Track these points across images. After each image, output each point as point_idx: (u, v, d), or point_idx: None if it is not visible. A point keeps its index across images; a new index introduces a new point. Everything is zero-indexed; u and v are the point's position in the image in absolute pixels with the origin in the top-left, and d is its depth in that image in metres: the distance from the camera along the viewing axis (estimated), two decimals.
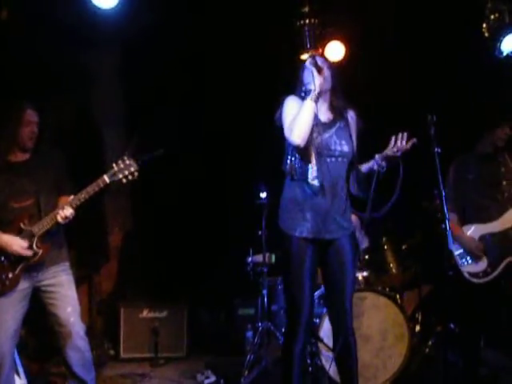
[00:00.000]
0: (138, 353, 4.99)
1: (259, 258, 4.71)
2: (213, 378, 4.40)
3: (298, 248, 3.09)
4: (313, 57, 3.11)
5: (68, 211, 3.34)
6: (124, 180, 3.39)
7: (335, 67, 3.28)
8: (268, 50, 4.94)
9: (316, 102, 3.04)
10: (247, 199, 4.58)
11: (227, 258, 5.29)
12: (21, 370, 3.93)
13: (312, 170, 3.07)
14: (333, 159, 3.11)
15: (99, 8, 4.31)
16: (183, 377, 4.59)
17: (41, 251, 3.39)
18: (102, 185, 3.36)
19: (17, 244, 3.34)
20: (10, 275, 3.36)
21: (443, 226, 3.16)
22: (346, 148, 3.15)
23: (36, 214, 3.43)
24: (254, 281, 4.80)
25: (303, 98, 3.08)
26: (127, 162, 3.38)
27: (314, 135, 3.06)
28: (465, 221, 3.98)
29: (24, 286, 3.40)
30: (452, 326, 4.70)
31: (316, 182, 3.06)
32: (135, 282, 5.38)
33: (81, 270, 3.65)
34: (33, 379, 4.12)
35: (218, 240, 5.41)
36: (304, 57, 4.84)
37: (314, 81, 3.04)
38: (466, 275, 3.89)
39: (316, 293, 4.17)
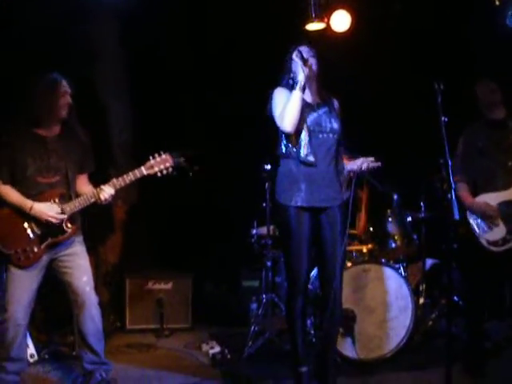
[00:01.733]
0: (144, 324, 5.02)
1: (263, 230, 4.71)
2: (218, 348, 4.43)
3: (296, 216, 3.35)
4: (297, 49, 3.29)
5: (109, 191, 3.42)
6: (159, 174, 3.49)
7: (319, 54, 3.44)
8: (272, 21, 4.86)
9: (303, 91, 3.27)
10: (251, 171, 4.56)
11: (232, 229, 5.30)
12: (29, 340, 4.02)
13: (305, 147, 3.30)
14: (324, 135, 3.38)
15: None
16: (188, 347, 4.63)
17: (70, 230, 3.45)
18: (138, 176, 3.47)
19: (53, 211, 3.37)
20: (36, 249, 3.41)
21: (449, 195, 3.14)
22: (335, 125, 3.41)
23: (66, 192, 3.47)
24: (258, 253, 4.81)
25: (291, 87, 3.31)
26: (163, 156, 3.48)
27: (305, 115, 3.32)
28: (476, 191, 3.94)
29: (43, 258, 3.45)
30: (456, 298, 4.72)
31: (310, 158, 3.30)
32: (140, 253, 5.40)
33: (86, 242, 3.67)
34: (41, 349, 4.21)
35: (223, 212, 5.41)
36: (310, 27, 4.80)
37: (300, 72, 3.27)
38: (485, 243, 3.85)
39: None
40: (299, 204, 3.34)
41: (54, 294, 4.09)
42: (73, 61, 4.62)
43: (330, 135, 3.39)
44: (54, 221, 3.37)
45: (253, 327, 4.45)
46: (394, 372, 4.04)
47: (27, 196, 3.39)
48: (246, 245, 4.88)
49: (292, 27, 4.62)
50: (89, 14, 4.72)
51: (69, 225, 3.43)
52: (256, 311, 4.68)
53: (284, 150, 3.42)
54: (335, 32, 4.89)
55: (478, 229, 3.89)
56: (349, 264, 4.21)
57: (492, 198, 3.87)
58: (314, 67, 3.37)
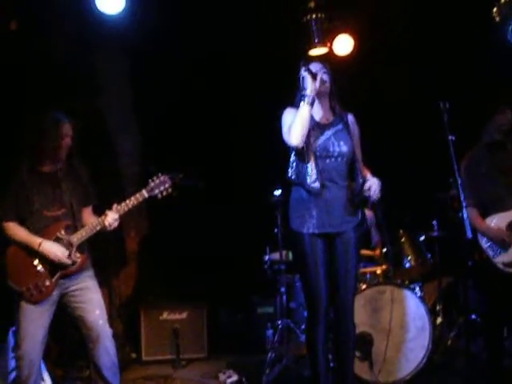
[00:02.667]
0: (160, 355, 5.00)
1: (276, 255, 4.71)
2: (235, 377, 4.40)
3: (310, 244, 3.31)
4: (305, 64, 3.30)
5: (113, 217, 3.44)
6: (159, 196, 3.52)
7: (332, 71, 3.42)
8: (277, 48, 4.91)
9: (311, 105, 3.25)
10: (262, 198, 4.58)
11: (244, 257, 5.29)
12: (46, 375, 3.99)
13: (311, 173, 3.27)
14: (332, 159, 3.32)
15: (105, 14, 4.35)
16: (205, 377, 4.60)
17: (79, 260, 3.45)
18: (140, 199, 3.50)
19: (59, 251, 3.40)
20: (47, 283, 3.41)
21: (460, 214, 3.13)
22: (344, 148, 3.34)
23: (71, 224, 3.50)
24: (271, 279, 4.80)
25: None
26: (161, 178, 3.52)
27: (312, 139, 3.28)
28: (485, 213, 3.92)
29: (54, 293, 3.45)
30: (474, 316, 4.66)
31: (316, 185, 3.27)
32: (154, 284, 5.39)
33: (99, 275, 3.68)
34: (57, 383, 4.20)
35: (235, 239, 5.41)
36: (313, 52, 4.85)
37: (309, 86, 3.25)
38: (500, 266, 3.81)
39: None
40: (311, 231, 3.30)
41: (69, 328, 4.09)
42: (81, 94, 4.69)
43: (339, 159, 3.33)
44: (61, 261, 3.39)
45: (269, 354, 4.41)
46: None
47: (34, 230, 3.43)
48: (259, 271, 4.87)
49: (296, 53, 4.66)
50: (97, 48, 4.81)
51: (77, 255, 3.44)
52: (272, 338, 4.64)
53: (294, 176, 3.39)
54: (338, 56, 4.94)
55: (492, 251, 3.86)
56: (363, 286, 4.19)
57: (503, 218, 3.84)
58: (326, 83, 3.33)
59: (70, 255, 3.41)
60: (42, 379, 3.80)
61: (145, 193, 3.49)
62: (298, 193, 3.38)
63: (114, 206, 3.47)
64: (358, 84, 3.39)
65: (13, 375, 3.93)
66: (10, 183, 3.50)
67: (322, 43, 4.77)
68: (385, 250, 4.58)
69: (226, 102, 5.29)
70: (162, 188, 3.50)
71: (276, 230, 4.57)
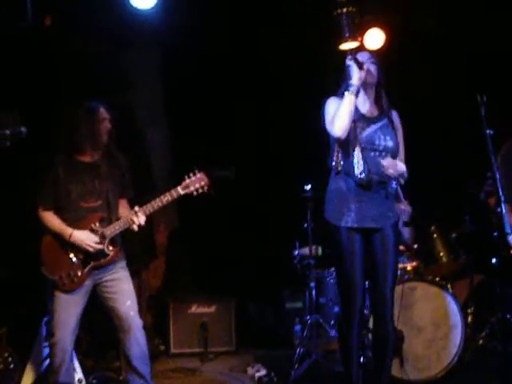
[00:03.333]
0: (188, 348, 5.04)
1: (306, 250, 4.69)
2: (263, 371, 4.39)
3: (347, 238, 3.22)
4: (351, 52, 3.23)
5: (142, 219, 3.45)
6: (195, 193, 3.48)
7: (381, 61, 3.34)
8: (308, 42, 4.90)
9: (356, 95, 3.16)
10: (293, 192, 4.57)
11: (274, 251, 5.28)
12: (77, 365, 4.04)
13: (358, 165, 3.17)
14: (377, 153, 3.23)
15: (138, 9, 4.38)
16: (234, 370, 4.61)
17: (112, 253, 3.48)
18: (175, 196, 3.47)
19: (91, 240, 3.43)
20: (79, 273, 3.45)
21: (499, 209, 3.07)
22: (390, 143, 3.26)
23: (106, 216, 3.52)
24: (301, 274, 4.78)
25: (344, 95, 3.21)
26: (198, 175, 3.48)
27: (358, 130, 3.19)
28: None
29: (87, 283, 3.50)
30: (508, 316, 4.58)
31: (363, 176, 3.17)
32: (183, 278, 5.43)
33: (129, 267, 3.72)
34: (88, 374, 4.23)
35: (265, 233, 5.41)
36: (343, 47, 4.80)
37: (355, 75, 3.16)
38: None
39: None
40: (349, 225, 3.21)
41: (100, 319, 4.13)
42: (112, 88, 4.74)
43: (383, 153, 3.23)
44: (91, 250, 3.42)
45: (298, 349, 4.40)
46: None
47: (70, 220, 3.46)
48: (289, 266, 4.86)
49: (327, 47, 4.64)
50: (128, 42, 4.85)
51: (110, 248, 3.47)
52: (301, 333, 4.64)
53: (335, 163, 3.27)
54: (369, 50, 4.88)
55: None
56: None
57: None
58: (373, 73, 3.24)
59: (102, 247, 3.44)
60: (74, 369, 3.86)
61: (180, 190, 3.46)
62: (336, 184, 3.27)
63: (145, 206, 3.44)
64: (390, 78, 3.34)
65: (46, 363, 4.00)
66: (48, 173, 3.53)
67: (353, 37, 4.68)
68: (416, 246, 4.52)
69: (256, 95, 5.28)
70: (197, 185, 3.46)
71: (306, 225, 4.55)
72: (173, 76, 5.21)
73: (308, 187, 4.49)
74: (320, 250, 4.77)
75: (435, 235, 4.56)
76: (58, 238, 3.47)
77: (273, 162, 5.36)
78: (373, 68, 3.24)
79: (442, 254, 4.55)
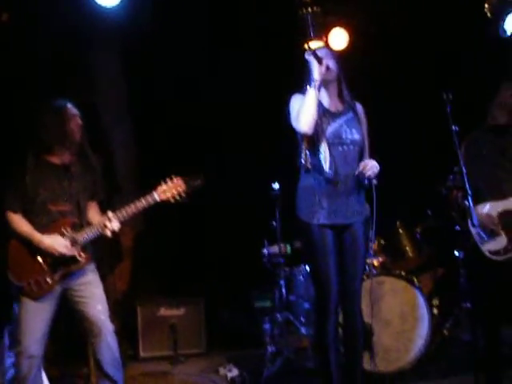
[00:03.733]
0: (157, 351, 4.98)
1: (275, 248, 4.72)
2: (236, 372, 4.38)
3: (320, 235, 3.22)
4: (310, 48, 3.22)
5: (116, 225, 3.35)
6: (172, 200, 3.40)
7: (340, 57, 3.36)
8: (273, 41, 4.93)
9: (318, 90, 3.17)
10: (261, 191, 4.58)
11: (241, 250, 5.28)
12: (43, 373, 3.93)
13: (326, 161, 3.18)
14: (345, 147, 3.24)
15: (102, 7, 4.31)
16: (205, 372, 4.59)
17: (83, 260, 3.39)
18: (151, 201, 3.37)
19: (61, 245, 3.32)
20: (49, 280, 3.35)
21: (466, 202, 3.17)
22: (356, 136, 3.28)
23: (78, 221, 3.42)
24: (270, 272, 4.80)
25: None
26: (175, 180, 3.40)
27: (324, 126, 3.20)
28: (478, 199, 3.95)
29: (56, 288, 3.40)
30: (469, 305, 4.73)
31: (332, 172, 3.17)
32: (150, 280, 5.36)
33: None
34: (55, 382, 4.14)
35: (232, 233, 5.40)
36: (308, 46, 4.87)
37: (315, 70, 3.17)
38: (487, 253, 3.85)
39: None
40: (321, 221, 3.21)
41: (65, 325, 4.04)
42: (74, 87, 4.64)
43: (351, 147, 3.24)
44: (60, 255, 3.32)
45: (269, 348, 4.42)
46: (414, 383, 4.03)
47: (40, 224, 3.35)
48: (256, 265, 4.87)
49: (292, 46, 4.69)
50: (91, 41, 4.77)
51: (82, 254, 3.38)
52: (271, 331, 4.65)
53: (304, 163, 3.27)
54: (333, 50, 4.96)
55: (480, 238, 3.89)
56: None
57: (496, 206, 3.85)
58: (332, 68, 3.26)
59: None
60: (41, 378, 3.74)
61: (155, 195, 3.37)
62: (307, 182, 3.28)
63: (117, 211, 3.35)
64: (355, 78, 3.40)
65: (10, 373, 3.88)
66: (16, 174, 3.40)
67: (318, 37, 4.77)
68: (382, 241, 4.62)
69: (221, 94, 5.27)
70: (174, 191, 3.38)
71: (274, 223, 4.58)
72: (137, 75, 5.14)
73: (276, 185, 4.51)
74: (289, 248, 4.79)
75: (400, 230, 4.67)
76: (27, 242, 3.35)
77: (240, 160, 5.36)
78: (331, 63, 3.25)
79: (407, 248, 4.66)
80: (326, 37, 4.91)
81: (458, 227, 4.11)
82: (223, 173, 5.27)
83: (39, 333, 3.36)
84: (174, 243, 5.41)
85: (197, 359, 4.93)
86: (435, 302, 4.75)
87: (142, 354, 4.96)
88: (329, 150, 3.18)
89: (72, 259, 3.36)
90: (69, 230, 3.36)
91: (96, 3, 4.26)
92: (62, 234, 3.35)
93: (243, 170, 5.28)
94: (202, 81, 5.28)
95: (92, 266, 3.53)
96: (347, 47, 5.03)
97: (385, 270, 4.46)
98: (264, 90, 5.10)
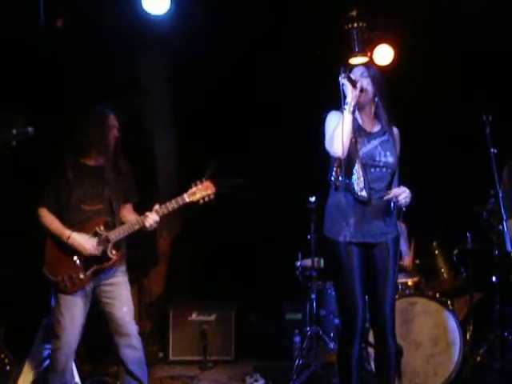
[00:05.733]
0: (187, 355, 5.04)
1: (308, 262, 4.71)
2: (262, 382, 4.41)
3: (346, 253, 3.16)
4: (345, 71, 3.12)
5: (155, 217, 3.44)
6: (201, 201, 3.47)
7: (381, 76, 3.27)
8: (317, 55, 4.94)
9: (353, 113, 3.11)
10: (297, 203, 4.58)
11: (276, 261, 5.29)
12: (75, 369, 4.04)
13: (358, 182, 3.13)
14: (377, 169, 3.19)
15: (150, 14, 4.41)
16: (232, 380, 4.62)
17: (115, 258, 3.48)
18: (181, 203, 3.46)
19: (90, 243, 3.43)
20: (81, 276, 3.45)
21: (500, 227, 3.10)
22: (390, 159, 3.21)
23: (110, 220, 3.53)
24: (302, 285, 4.79)
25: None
26: (205, 183, 3.47)
27: (359, 146, 3.15)
28: None
29: (88, 285, 3.50)
30: (506, 334, 4.60)
31: (364, 193, 3.12)
32: (184, 284, 5.43)
33: (130, 273, 3.72)
34: (85, 379, 4.23)
35: (267, 244, 5.43)
36: (353, 61, 4.86)
37: (349, 93, 3.11)
38: None
39: None
40: (348, 239, 3.15)
41: (98, 323, 4.13)
42: (121, 93, 4.77)
43: (384, 170, 3.19)
44: (88, 253, 3.42)
45: (297, 360, 4.41)
46: None
47: (73, 222, 3.46)
48: (290, 277, 4.87)
49: (336, 61, 4.68)
50: (138, 46, 4.89)
51: (114, 252, 3.46)
52: (300, 344, 4.65)
53: (335, 181, 3.22)
54: (378, 66, 4.93)
55: None
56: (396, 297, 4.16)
57: None
58: (367, 89, 3.18)
59: (105, 252, 3.45)
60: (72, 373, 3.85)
61: (186, 197, 3.44)
62: (336, 199, 3.23)
63: (156, 207, 3.46)
64: (398, 94, 3.35)
65: (45, 365, 4.00)
66: (56, 174, 3.55)
67: (363, 52, 4.77)
68: (417, 261, 4.55)
69: (265, 105, 5.31)
70: (204, 193, 3.44)
71: (309, 237, 4.57)
72: (181, 81, 5.23)
73: (312, 199, 4.51)
74: (322, 262, 4.78)
75: (437, 251, 4.58)
76: (60, 239, 3.47)
77: (277, 172, 5.38)
78: (366, 83, 3.18)
79: (443, 270, 4.57)
80: (371, 52, 4.88)
81: (496, 251, 4.02)
82: (262, 183, 5.31)
83: (77, 327, 3.47)
84: (210, 250, 5.47)
85: (225, 366, 4.97)
86: (469, 327, 4.64)
87: (171, 357, 5.03)
88: (361, 171, 3.13)
89: (104, 257, 3.45)
90: (102, 228, 3.47)
91: (145, 11, 4.36)
92: (95, 233, 3.46)
93: (282, 181, 5.30)
94: (247, 90, 5.34)
95: (123, 268, 3.61)
96: (392, 63, 4.98)
97: (418, 290, 4.39)
98: (305, 101, 5.09)
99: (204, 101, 5.30)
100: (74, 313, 3.46)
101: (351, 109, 3.09)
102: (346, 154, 3.10)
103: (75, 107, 4.23)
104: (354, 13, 4.74)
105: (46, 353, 4.12)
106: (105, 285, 3.52)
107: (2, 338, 3.86)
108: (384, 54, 4.98)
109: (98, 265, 3.46)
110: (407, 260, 4.72)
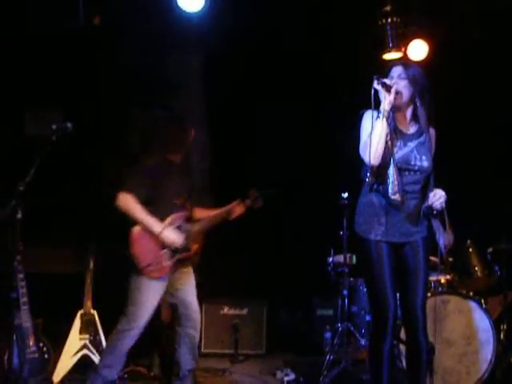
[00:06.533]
0: (218, 348, 5.12)
1: (340, 258, 4.72)
2: (292, 376, 4.43)
3: (376, 251, 3.18)
4: (378, 77, 3.05)
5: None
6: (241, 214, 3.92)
7: (420, 73, 3.20)
8: (351, 50, 4.91)
9: (387, 120, 3.06)
10: (330, 199, 4.59)
11: (308, 257, 5.30)
12: None
13: (393, 185, 3.10)
14: (411, 173, 3.17)
15: (185, 12, 4.46)
16: (263, 373, 4.67)
17: (194, 248, 3.74)
18: (225, 216, 3.87)
19: (180, 239, 3.63)
20: (168, 262, 3.64)
21: None
22: (425, 163, 3.18)
23: (189, 214, 3.79)
24: (334, 281, 4.80)
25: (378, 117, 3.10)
26: (255, 194, 3.90)
27: (395, 149, 3.11)
28: None
29: (170, 273, 3.69)
30: None
31: (397, 197, 3.10)
32: (216, 279, 5.48)
33: None
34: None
35: (300, 239, 5.44)
36: (387, 57, 4.83)
37: (383, 100, 3.06)
38: None
39: None
40: (379, 238, 3.16)
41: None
42: (158, 91, 4.83)
43: (418, 173, 3.17)
44: (176, 248, 3.62)
45: (328, 356, 4.43)
46: None
47: (160, 215, 3.62)
48: (321, 273, 4.88)
49: (370, 57, 4.66)
50: (173, 44, 4.96)
51: (193, 243, 3.73)
52: (331, 340, 4.66)
53: (369, 183, 3.20)
54: (412, 61, 4.88)
55: None
56: (427, 295, 4.13)
57: None
58: (403, 93, 3.12)
59: (188, 243, 3.68)
60: None
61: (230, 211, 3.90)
62: (368, 198, 3.23)
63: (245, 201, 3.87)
64: (432, 91, 3.31)
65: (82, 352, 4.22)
66: (146, 169, 3.68)
67: (397, 48, 4.73)
68: (451, 259, 4.50)
69: (299, 102, 5.32)
70: (253, 204, 3.90)
71: (342, 233, 4.58)
72: (215, 79, 5.28)
73: (345, 195, 4.50)
74: (354, 258, 4.77)
75: (471, 249, 4.53)
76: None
77: (311, 167, 5.39)
78: (402, 85, 3.11)
79: (476, 268, 4.51)
80: (405, 48, 4.83)
81: None
82: (296, 179, 5.31)
83: (150, 315, 3.61)
84: (243, 244, 5.50)
85: (256, 360, 5.03)
86: (503, 326, 4.58)
87: (203, 349, 5.10)
88: (396, 174, 3.09)
89: (186, 247, 3.68)
90: (185, 221, 3.70)
91: (179, 8, 4.41)
92: (179, 226, 3.66)
93: (315, 177, 5.30)
94: (280, 86, 5.35)
95: None
96: (427, 59, 4.91)
97: (451, 288, 4.34)
98: (340, 100, 5.09)
99: (235, 98, 5.34)
100: (152, 297, 3.60)
101: (386, 115, 3.04)
102: (379, 161, 3.08)
103: (110, 104, 4.32)
104: (388, 8, 4.71)
105: (81, 343, 4.26)
106: (180, 272, 3.74)
107: (41, 327, 3.99)
108: (418, 50, 4.92)
109: (181, 253, 3.67)
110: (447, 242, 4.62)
